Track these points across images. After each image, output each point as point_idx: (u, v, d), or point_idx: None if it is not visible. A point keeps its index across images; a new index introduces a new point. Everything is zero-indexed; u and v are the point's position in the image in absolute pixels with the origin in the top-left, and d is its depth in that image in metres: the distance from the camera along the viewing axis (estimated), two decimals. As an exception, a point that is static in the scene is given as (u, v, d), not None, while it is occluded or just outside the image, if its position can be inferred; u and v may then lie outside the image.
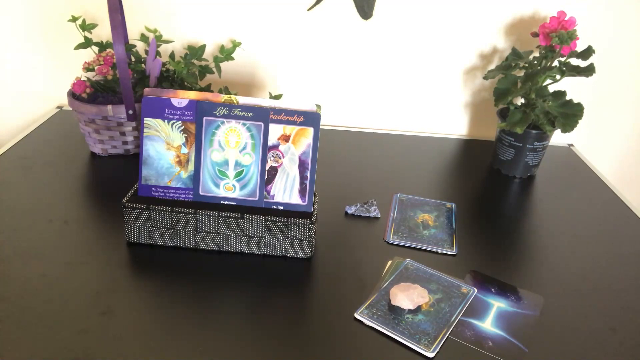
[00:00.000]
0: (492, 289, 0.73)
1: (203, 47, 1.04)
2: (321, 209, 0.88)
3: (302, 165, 0.75)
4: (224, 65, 1.08)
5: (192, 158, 0.75)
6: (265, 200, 0.76)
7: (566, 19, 0.95)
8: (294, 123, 0.74)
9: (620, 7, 1.11)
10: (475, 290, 0.73)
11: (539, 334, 0.66)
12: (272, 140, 0.74)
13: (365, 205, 0.88)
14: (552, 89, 1.00)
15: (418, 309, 0.68)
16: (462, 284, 0.73)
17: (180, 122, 0.74)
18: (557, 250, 0.84)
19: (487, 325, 0.67)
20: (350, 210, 0.88)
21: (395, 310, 0.67)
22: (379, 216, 0.88)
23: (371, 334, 0.64)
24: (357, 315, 0.66)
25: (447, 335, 0.64)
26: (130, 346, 0.60)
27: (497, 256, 0.81)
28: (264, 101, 0.74)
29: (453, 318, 0.67)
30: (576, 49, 0.96)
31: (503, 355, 0.62)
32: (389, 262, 0.77)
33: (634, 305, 0.72)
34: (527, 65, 1.01)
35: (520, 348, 0.64)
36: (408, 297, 0.68)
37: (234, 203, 0.76)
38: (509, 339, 0.65)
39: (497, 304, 0.71)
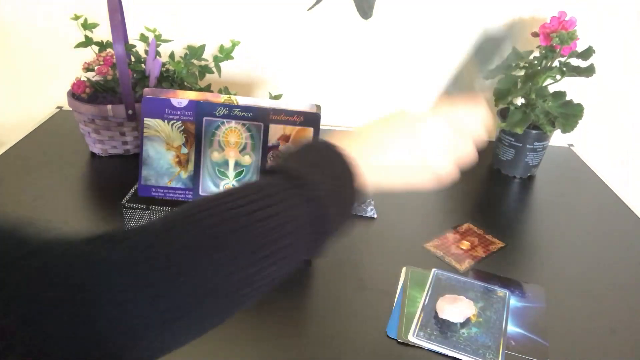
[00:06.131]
0: (496, 285, 0.73)
1: (203, 47, 1.03)
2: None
3: (302, 165, 0.75)
4: (224, 65, 1.07)
5: (192, 158, 0.75)
6: (265, 200, 0.76)
7: (566, 19, 0.95)
8: (294, 123, 0.74)
9: (620, 7, 1.11)
10: (508, 292, 0.72)
11: (552, 325, 0.66)
12: (272, 141, 0.74)
13: (362, 205, 0.88)
14: (552, 89, 1.00)
15: (467, 321, 0.66)
16: (495, 287, 0.72)
17: (180, 122, 0.74)
18: (556, 250, 0.83)
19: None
20: (349, 209, 0.88)
21: (449, 327, 0.65)
22: (375, 216, 0.87)
23: (370, 334, 0.64)
24: (413, 339, 0.63)
25: (504, 344, 0.63)
26: (130, 346, 0.60)
27: (497, 256, 0.81)
28: (264, 101, 0.74)
29: (504, 325, 0.66)
30: (576, 49, 0.96)
31: (528, 354, 0.62)
32: (404, 269, 0.75)
33: (634, 306, 0.72)
34: (527, 65, 1.01)
35: (541, 343, 0.64)
36: (457, 309, 0.66)
37: (234, 203, 0.76)
38: (527, 335, 0.65)
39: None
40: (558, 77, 0.98)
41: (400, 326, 0.65)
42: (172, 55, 1.08)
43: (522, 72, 1.01)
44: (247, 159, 0.75)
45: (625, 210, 0.96)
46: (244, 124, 0.74)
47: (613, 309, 0.71)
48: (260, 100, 0.74)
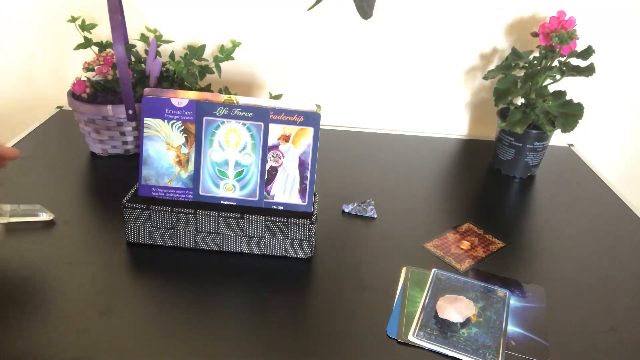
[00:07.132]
0: (496, 285, 0.73)
1: (203, 47, 1.03)
2: (320, 209, 0.88)
3: (302, 165, 0.75)
4: (224, 65, 1.08)
5: (192, 158, 0.75)
6: (265, 200, 0.76)
7: (566, 18, 0.95)
8: (294, 123, 0.74)
9: (620, 7, 1.11)
10: (508, 292, 0.72)
11: (552, 325, 0.66)
12: (272, 140, 0.74)
13: (362, 205, 0.88)
14: (552, 89, 1.00)
15: (467, 321, 0.66)
16: (495, 287, 0.72)
17: (180, 122, 0.74)
18: (556, 250, 0.83)
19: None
20: (347, 208, 0.88)
21: (449, 327, 0.65)
22: (375, 216, 0.88)
23: (370, 334, 0.64)
24: (413, 339, 0.63)
25: (504, 344, 0.63)
26: (130, 346, 0.60)
27: (497, 256, 0.81)
28: (264, 101, 0.74)
29: (504, 325, 0.65)
30: (576, 49, 0.96)
31: (528, 354, 0.62)
32: (404, 269, 0.76)
33: (634, 305, 0.72)
34: (527, 65, 1.01)
35: (541, 343, 0.64)
36: (457, 310, 0.66)
37: (234, 203, 0.76)
38: (527, 335, 0.65)
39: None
40: (558, 76, 0.98)
41: (400, 326, 0.65)
42: (172, 55, 1.08)
43: (522, 72, 1.01)
44: (247, 159, 0.75)
45: (625, 210, 0.96)
46: (244, 124, 0.74)
47: (613, 309, 0.71)
48: (260, 100, 0.74)
